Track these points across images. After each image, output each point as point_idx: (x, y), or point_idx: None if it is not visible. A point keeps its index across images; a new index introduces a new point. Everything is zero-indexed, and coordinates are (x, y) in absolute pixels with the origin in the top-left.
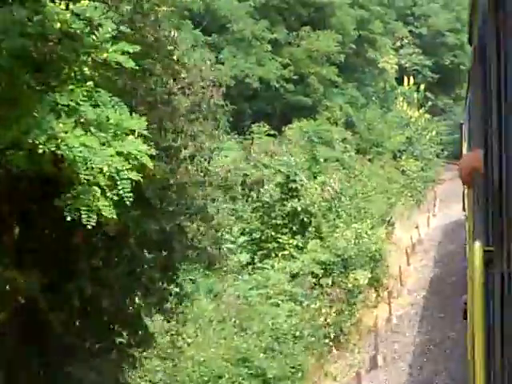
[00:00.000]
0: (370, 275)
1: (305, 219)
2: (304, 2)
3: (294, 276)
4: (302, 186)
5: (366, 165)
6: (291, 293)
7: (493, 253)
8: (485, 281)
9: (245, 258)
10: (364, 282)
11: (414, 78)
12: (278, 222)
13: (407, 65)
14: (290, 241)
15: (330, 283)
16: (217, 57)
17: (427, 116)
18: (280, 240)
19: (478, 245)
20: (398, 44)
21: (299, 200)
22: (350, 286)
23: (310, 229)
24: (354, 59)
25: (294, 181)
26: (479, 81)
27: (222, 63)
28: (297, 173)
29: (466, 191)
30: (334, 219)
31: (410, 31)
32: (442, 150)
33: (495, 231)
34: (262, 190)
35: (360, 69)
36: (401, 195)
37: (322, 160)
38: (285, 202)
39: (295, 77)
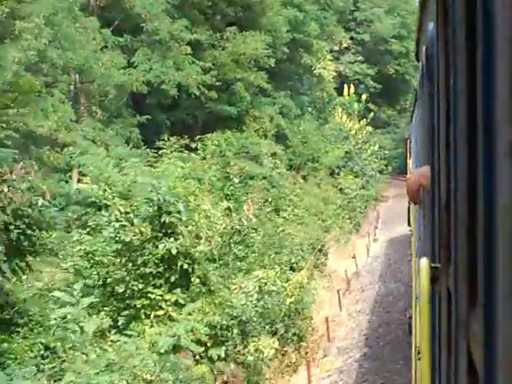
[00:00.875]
0: (277, 344)
1: (185, 266)
2: (230, 0)
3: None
4: (180, 219)
5: (298, 183)
6: (160, 380)
7: (439, 269)
8: (431, 297)
9: (95, 324)
10: (270, 353)
11: (355, 88)
12: (150, 269)
13: (348, 73)
14: (167, 296)
15: (223, 355)
16: (129, 60)
17: (369, 128)
18: (152, 295)
19: (424, 261)
20: (337, 49)
21: (176, 240)
22: (250, 358)
23: (193, 279)
24: (287, 65)
25: (169, 213)
26: (427, 97)
27: (136, 67)
28: (173, 201)
29: (411, 206)
30: (234, 261)
31: (352, 38)
32: (386, 166)
33: (442, 248)
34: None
35: (294, 76)
36: (338, 217)
37: (236, 180)
38: (158, 243)
39: (219, 83)
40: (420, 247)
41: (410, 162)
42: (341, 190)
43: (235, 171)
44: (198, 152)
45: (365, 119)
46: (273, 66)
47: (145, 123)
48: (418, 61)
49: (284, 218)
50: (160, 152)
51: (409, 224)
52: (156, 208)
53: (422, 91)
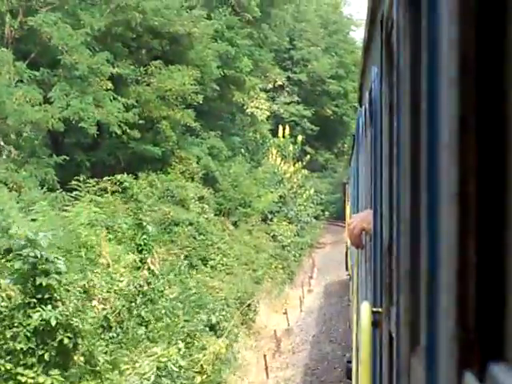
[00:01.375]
0: None
1: (65, 341)
2: (156, 32)
3: None
4: (60, 282)
5: (228, 229)
6: None
7: (380, 313)
8: (372, 342)
9: None
10: None
11: (290, 129)
12: (20, 345)
13: (284, 115)
14: (40, 379)
15: None
16: (45, 96)
17: (305, 172)
18: (22, 378)
19: (365, 305)
20: (271, 87)
21: (54, 307)
22: None
23: (76, 358)
24: (218, 103)
25: (46, 273)
26: (369, 141)
27: (52, 103)
28: (52, 258)
29: (349, 251)
30: (135, 329)
31: (288, 78)
32: (323, 211)
33: (384, 293)
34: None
35: (225, 115)
36: (270, 267)
37: (150, 228)
38: (30, 311)
39: (142, 121)
40: (361, 292)
41: (348, 207)
42: (274, 237)
43: (157, 216)
44: (118, 195)
45: (300, 162)
46: (201, 103)
47: (63, 164)
48: (361, 105)
49: (212, 267)
50: (73, 194)
51: (347, 269)
52: (30, 267)
53: (363, 135)
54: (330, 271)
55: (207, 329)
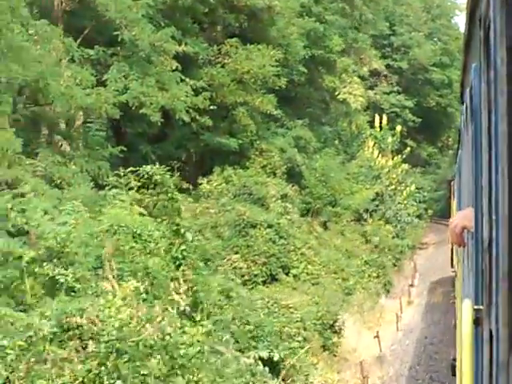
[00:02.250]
0: None
1: None
2: (232, 6)
3: None
4: None
5: (315, 231)
6: None
7: (482, 311)
8: (474, 339)
9: None
10: None
11: (390, 121)
12: None
13: (384, 105)
14: None
15: None
16: (99, 78)
17: (405, 167)
18: None
19: (467, 303)
20: (366, 71)
21: None
22: None
23: None
24: (306, 88)
25: None
26: (471, 139)
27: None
28: None
29: (454, 248)
30: None
31: (388, 65)
32: (426, 209)
33: (484, 290)
34: None
35: (314, 101)
36: (363, 275)
37: (189, 236)
38: None
39: (214, 107)
40: (463, 289)
41: (453, 205)
42: (368, 239)
43: (231, 217)
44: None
45: (400, 156)
46: (285, 87)
47: (124, 157)
48: (463, 102)
49: (294, 276)
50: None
51: (452, 266)
52: None
53: (466, 132)
54: (434, 275)
55: (266, 369)
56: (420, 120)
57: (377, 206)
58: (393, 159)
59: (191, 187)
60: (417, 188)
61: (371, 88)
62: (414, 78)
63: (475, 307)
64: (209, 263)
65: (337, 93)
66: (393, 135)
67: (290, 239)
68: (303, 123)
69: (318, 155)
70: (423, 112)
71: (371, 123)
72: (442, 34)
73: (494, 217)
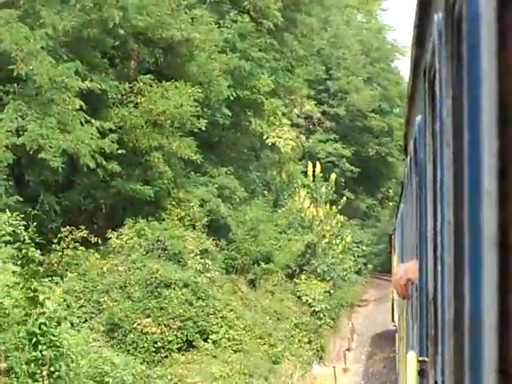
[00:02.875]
0: None
1: None
2: (145, 38)
3: None
4: None
5: (240, 291)
6: None
7: (426, 363)
8: None
9: None
10: None
11: (325, 170)
12: None
13: (320, 154)
14: None
15: None
16: None
17: (340, 218)
18: None
19: (412, 355)
20: (298, 114)
21: None
22: None
23: None
24: (230, 132)
25: None
26: (414, 191)
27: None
28: None
29: (396, 301)
30: None
31: (324, 112)
32: (365, 264)
33: (430, 342)
34: None
35: (241, 147)
36: (293, 341)
37: (50, 305)
38: None
39: (123, 151)
40: (407, 341)
41: (394, 259)
42: (300, 298)
43: (142, 275)
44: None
45: (335, 206)
46: (207, 131)
47: (25, 210)
48: (406, 155)
49: (214, 342)
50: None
51: (393, 319)
52: None
53: (409, 185)
54: (374, 337)
55: None
56: (358, 170)
57: (308, 260)
58: (326, 209)
59: (100, 241)
60: (355, 242)
61: (307, 137)
62: (351, 125)
63: (420, 359)
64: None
65: (265, 137)
66: (327, 185)
67: (209, 300)
68: (228, 171)
69: (248, 206)
70: (362, 161)
71: (305, 173)
72: (381, 78)
73: (439, 268)
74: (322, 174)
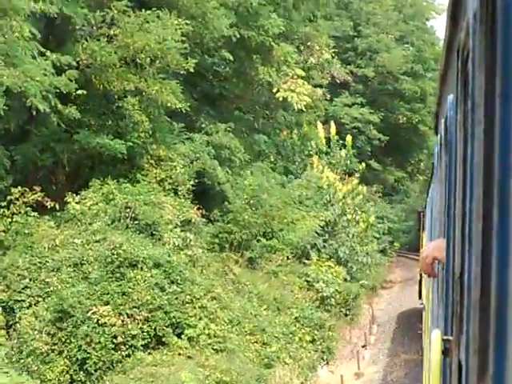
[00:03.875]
0: None
1: None
2: None
3: None
4: None
5: (231, 273)
6: None
7: (451, 342)
8: (442, 370)
9: None
10: None
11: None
12: None
13: (344, 119)
14: None
15: None
16: None
17: (363, 190)
18: None
19: (436, 333)
20: (314, 61)
21: None
22: None
23: None
24: (233, 83)
25: None
26: (444, 171)
27: None
28: None
29: (423, 279)
30: None
31: (351, 73)
32: (392, 242)
33: (455, 321)
34: None
35: (246, 102)
36: (293, 339)
37: None
38: None
39: (84, 92)
40: (432, 320)
41: (424, 237)
42: (310, 285)
43: (102, 251)
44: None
45: (354, 175)
46: (208, 82)
47: None
48: (437, 134)
49: (190, 339)
50: None
51: (420, 297)
52: None
53: (439, 163)
54: (399, 327)
55: None
56: (387, 138)
57: (325, 240)
58: (347, 181)
59: (58, 206)
60: (380, 217)
61: (328, 99)
62: (380, 89)
63: (444, 338)
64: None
65: (275, 90)
66: (347, 151)
67: (185, 285)
68: (228, 128)
69: (250, 171)
70: (391, 129)
71: (328, 139)
72: (415, 37)
73: (466, 248)
74: (337, 137)
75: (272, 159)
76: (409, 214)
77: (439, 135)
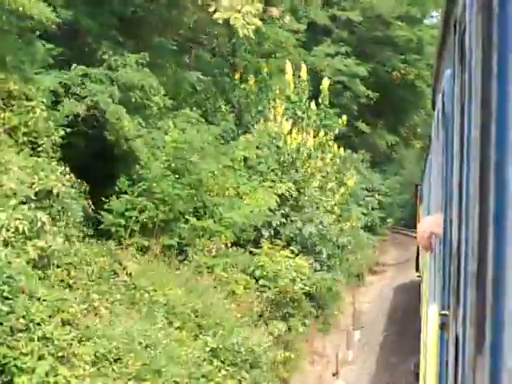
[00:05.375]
0: None
1: None
2: None
3: None
4: None
5: (123, 272)
6: None
7: (448, 316)
8: (439, 344)
9: None
10: None
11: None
12: None
13: (326, 71)
14: None
15: None
16: None
17: (341, 151)
18: None
19: (433, 308)
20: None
21: None
22: None
23: None
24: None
25: None
26: (441, 144)
27: None
28: None
29: (420, 252)
30: None
31: (334, 17)
32: (384, 219)
33: (452, 295)
34: None
35: (172, 27)
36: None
37: None
38: None
39: None
40: (430, 294)
41: (420, 211)
42: (257, 280)
43: None
44: None
45: (329, 134)
46: None
47: None
48: (434, 108)
49: None
50: None
51: (417, 270)
52: None
53: (437, 138)
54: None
55: None
56: (377, 95)
57: (285, 216)
58: (318, 136)
59: None
60: (369, 190)
61: (307, 49)
62: (369, 36)
63: (441, 312)
64: None
65: (212, 9)
66: (322, 98)
67: (17, 301)
68: (141, 59)
69: (171, 122)
70: (382, 85)
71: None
72: None
73: (463, 222)
74: (307, 78)
75: (210, 106)
76: (405, 187)
77: (436, 109)
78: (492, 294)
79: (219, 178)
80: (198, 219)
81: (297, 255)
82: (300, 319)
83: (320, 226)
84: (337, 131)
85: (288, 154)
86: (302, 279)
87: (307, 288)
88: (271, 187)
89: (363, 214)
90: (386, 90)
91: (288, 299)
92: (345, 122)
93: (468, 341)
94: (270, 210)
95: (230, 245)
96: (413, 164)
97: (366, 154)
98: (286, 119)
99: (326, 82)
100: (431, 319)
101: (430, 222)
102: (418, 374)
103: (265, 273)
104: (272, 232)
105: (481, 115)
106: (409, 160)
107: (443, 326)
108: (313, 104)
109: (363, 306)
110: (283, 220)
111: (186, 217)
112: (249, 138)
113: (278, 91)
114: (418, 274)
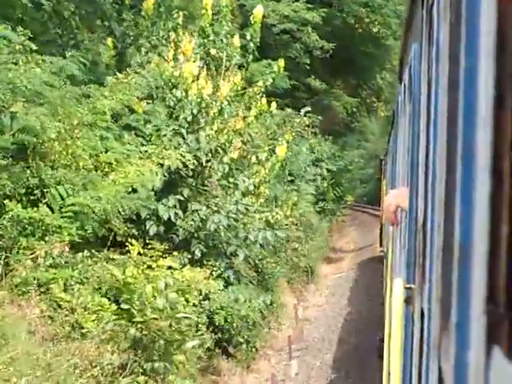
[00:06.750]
0: None
1: None
2: None
3: None
4: None
5: None
6: None
7: (413, 290)
8: (404, 318)
9: None
10: None
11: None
12: None
13: (270, 19)
14: None
15: None
16: None
17: (272, 108)
18: None
19: (398, 281)
20: None
21: None
22: None
23: None
24: None
25: None
26: (407, 119)
27: None
28: None
29: (384, 227)
30: None
31: None
32: (340, 197)
33: (417, 269)
34: None
35: None
36: None
37: None
38: None
39: None
40: (395, 269)
41: (384, 185)
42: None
43: None
44: None
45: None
46: None
47: None
48: (401, 82)
49: None
50: None
51: (381, 244)
52: None
53: (402, 112)
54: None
55: None
56: (332, 47)
57: (183, 203)
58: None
59: None
60: (315, 163)
61: None
62: None
63: (406, 286)
64: None
65: None
66: (250, 30)
67: None
68: None
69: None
70: (339, 35)
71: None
72: None
73: (429, 196)
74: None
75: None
76: (368, 162)
77: (403, 83)
78: (458, 269)
79: (65, 142)
80: (26, 207)
81: (193, 264)
82: (188, 369)
83: (235, 216)
84: (270, 81)
85: (191, 110)
86: (194, 305)
87: (198, 319)
88: (157, 155)
89: (312, 194)
90: (344, 41)
91: (164, 340)
92: (282, 69)
93: (433, 317)
94: (153, 190)
95: (79, 247)
96: (376, 136)
97: (318, 118)
98: (194, 60)
99: (258, 12)
100: (396, 293)
101: (395, 196)
102: (382, 348)
103: (128, 296)
104: (162, 228)
105: (448, 90)
106: (372, 133)
107: (408, 300)
108: (236, 39)
109: (310, 311)
110: (177, 210)
111: (5, 201)
112: (122, 80)
113: (181, 18)
114: (381, 249)
